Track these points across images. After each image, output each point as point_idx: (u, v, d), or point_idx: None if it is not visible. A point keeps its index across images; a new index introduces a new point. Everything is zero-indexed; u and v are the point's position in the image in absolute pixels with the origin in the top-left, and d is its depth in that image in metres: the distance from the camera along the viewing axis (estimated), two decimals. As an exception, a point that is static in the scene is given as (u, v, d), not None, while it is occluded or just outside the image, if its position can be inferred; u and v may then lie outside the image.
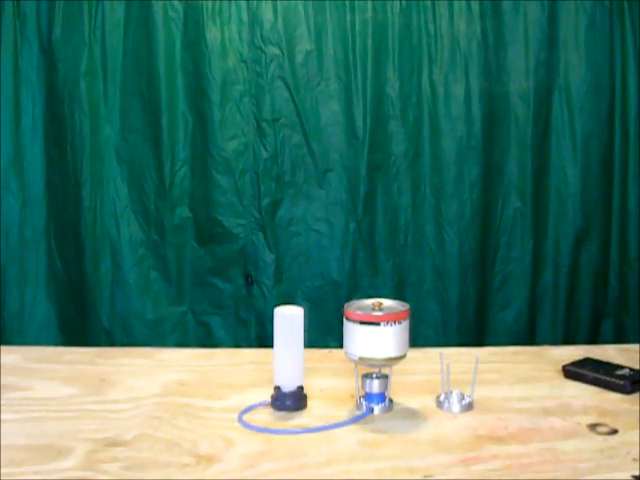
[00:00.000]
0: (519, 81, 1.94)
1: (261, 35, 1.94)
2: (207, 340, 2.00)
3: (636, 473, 0.83)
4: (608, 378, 1.12)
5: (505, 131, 2.00)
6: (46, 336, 2.03)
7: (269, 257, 2.00)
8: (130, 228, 2.02)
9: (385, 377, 1.04)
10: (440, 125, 1.98)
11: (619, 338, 1.91)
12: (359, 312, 1.00)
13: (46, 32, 1.97)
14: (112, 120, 1.99)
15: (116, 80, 1.98)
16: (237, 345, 1.98)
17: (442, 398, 1.06)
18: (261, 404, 1.06)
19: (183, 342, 1.99)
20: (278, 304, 1.07)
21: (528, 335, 2.00)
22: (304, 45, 1.95)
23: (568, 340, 1.95)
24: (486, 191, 2.00)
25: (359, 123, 1.96)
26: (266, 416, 1.03)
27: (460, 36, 1.95)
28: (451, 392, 1.06)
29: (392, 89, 1.97)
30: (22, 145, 2.01)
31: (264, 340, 1.91)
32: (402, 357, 1.01)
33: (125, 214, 2.02)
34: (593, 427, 0.97)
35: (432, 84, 1.97)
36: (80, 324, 2.03)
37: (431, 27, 1.96)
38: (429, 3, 1.95)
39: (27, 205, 2.03)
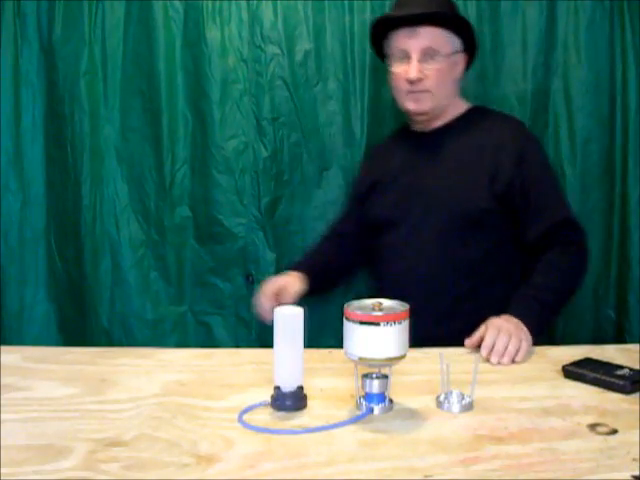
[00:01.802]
0: (518, 82, 1.93)
1: (261, 34, 1.94)
2: (207, 340, 2.00)
3: (636, 473, 0.83)
4: (608, 378, 1.12)
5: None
6: (46, 336, 2.03)
7: (270, 256, 1.99)
8: (130, 227, 2.02)
9: (385, 377, 1.04)
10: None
11: (619, 338, 1.90)
12: (359, 312, 1.00)
13: (46, 32, 1.97)
14: (112, 119, 1.99)
15: (116, 80, 1.98)
16: (237, 345, 1.98)
17: (442, 398, 1.06)
18: (261, 404, 1.06)
19: (183, 342, 1.99)
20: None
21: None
22: (303, 45, 1.95)
23: (567, 340, 1.95)
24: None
25: (357, 123, 1.96)
26: (266, 416, 1.03)
27: (459, 37, 1.96)
28: (451, 392, 1.06)
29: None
30: (22, 144, 2.01)
31: (264, 340, 1.91)
32: (402, 357, 1.01)
33: (125, 213, 2.01)
34: (593, 427, 0.97)
35: (431, 84, 1.97)
36: (80, 324, 2.03)
37: (430, 28, 1.96)
38: (429, 3, 1.95)
39: (27, 204, 2.03)
